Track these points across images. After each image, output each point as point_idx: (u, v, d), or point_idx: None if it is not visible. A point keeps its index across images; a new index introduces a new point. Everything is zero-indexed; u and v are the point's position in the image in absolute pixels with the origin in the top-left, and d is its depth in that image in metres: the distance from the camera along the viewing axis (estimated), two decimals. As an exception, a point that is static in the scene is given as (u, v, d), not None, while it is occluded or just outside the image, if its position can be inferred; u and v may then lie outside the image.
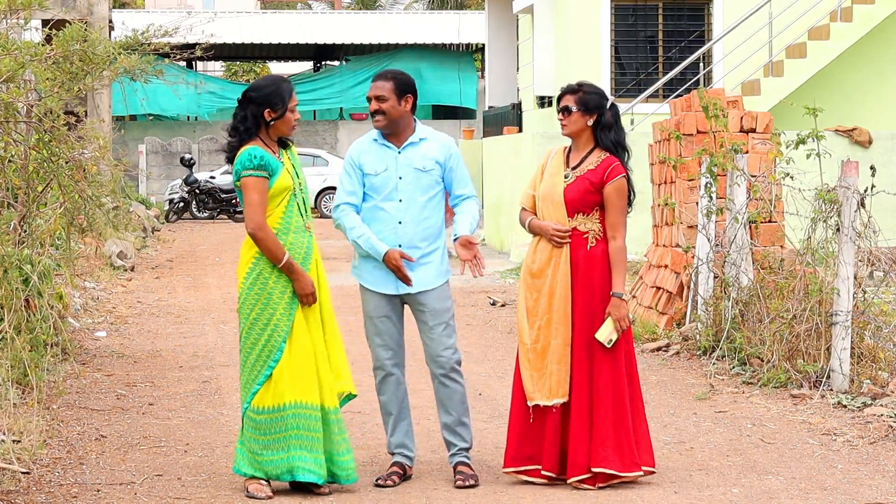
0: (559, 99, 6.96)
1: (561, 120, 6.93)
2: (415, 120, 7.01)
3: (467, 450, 7.01)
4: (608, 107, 6.90)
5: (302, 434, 6.58)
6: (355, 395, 6.88)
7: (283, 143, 6.79)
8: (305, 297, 6.62)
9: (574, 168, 6.89)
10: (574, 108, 6.87)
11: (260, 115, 6.64)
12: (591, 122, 6.88)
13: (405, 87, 6.91)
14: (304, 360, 6.60)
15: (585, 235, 6.83)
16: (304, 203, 6.75)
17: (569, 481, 6.77)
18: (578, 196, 6.82)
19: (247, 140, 6.65)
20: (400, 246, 6.87)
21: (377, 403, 8.82)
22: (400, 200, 6.89)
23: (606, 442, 6.73)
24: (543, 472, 6.82)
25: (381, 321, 6.97)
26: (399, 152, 6.93)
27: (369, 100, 6.91)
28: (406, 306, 7.02)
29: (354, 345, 11.31)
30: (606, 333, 6.77)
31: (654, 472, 6.91)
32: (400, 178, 6.90)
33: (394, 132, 6.94)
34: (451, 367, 6.95)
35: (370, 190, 6.94)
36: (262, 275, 6.61)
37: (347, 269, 20.25)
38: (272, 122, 6.65)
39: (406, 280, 6.84)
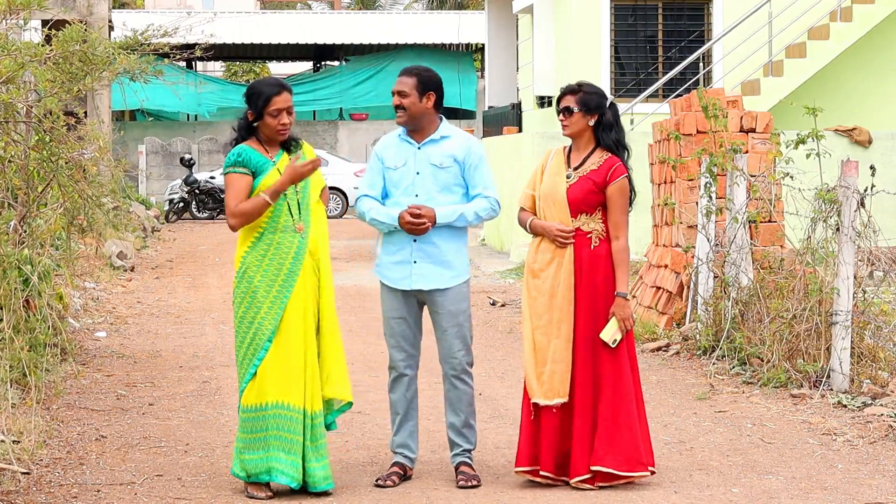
0: (559, 99, 6.95)
1: (562, 121, 6.92)
2: (440, 118, 6.99)
3: (470, 451, 7.02)
4: (608, 106, 6.89)
5: (282, 435, 6.55)
6: (351, 403, 6.85)
7: (287, 145, 6.76)
8: (305, 168, 6.57)
9: (576, 168, 6.89)
10: (575, 109, 6.86)
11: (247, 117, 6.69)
12: (592, 123, 6.88)
13: (428, 84, 6.89)
14: (289, 360, 6.57)
15: (589, 235, 6.83)
16: (299, 204, 6.71)
17: (571, 482, 6.76)
18: (581, 196, 6.81)
19: (240, 141, 6.69)
20: (415, 241, 6.86)
21: (377, 403, 8.85)
22: (416, 196, 6.88)
23: (608, 441, 6.72)
24: (541, 473, 6.81)
25: (396, 322, 6.97)
26: (419, 148, 6.94)
27: (393, 94, 6.92)
28: (426, 308, 7.00)
29: (354, 345, 11.32)
30: (611, 333, 6.76)
31: (654, 472, 6.91)
32: (417, 173, 6.90)
33: (416, 129, 6.94)
34: (462, 369, 6.95)
35: (390, 185, 6.96)
36: (248, 272, 6.62)
37: (347, 268, 20.32)
38: (255, 125, 6.67)
39: (424, 225, 6.77)
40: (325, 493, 6.65)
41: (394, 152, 6.98)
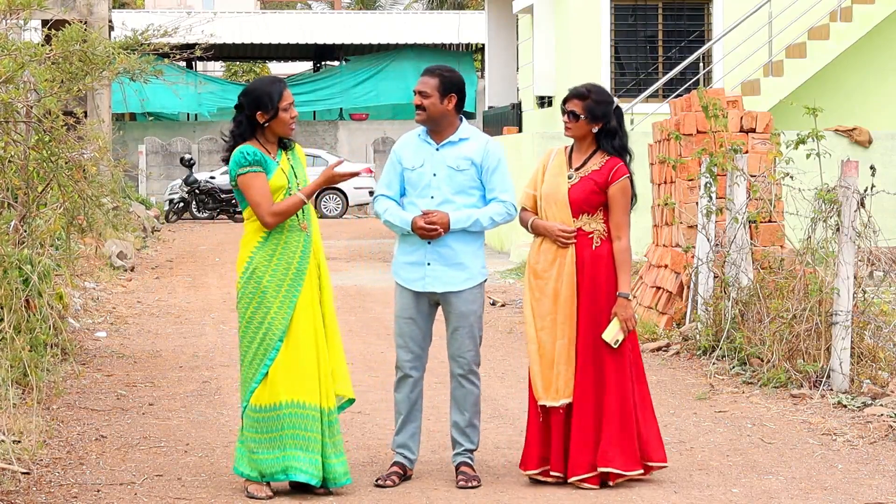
0: (566, 100, 6.92)
1: (566, 122, 6.91)
2: (461, 119, 6.97)
3: (472, 451, 7.02)
4: (613, 110, 6.87)
5: (298, 434, 6.56)
6: (353, 400, 6.87)
7: (284, 145, 6.78)
8: (343, 175, 6.70)
9: (578, 169, 6.88)
10: (581, 116, 6.85)
11: (253, 118, 6.65)
12: (595, 130, 6.87)
13: (450, 86, 6.86)
14: (302, 358, 6.58)
15: (591, 235, 6.83)
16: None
17: (569, 480, 6.77)
18: (583, 196, 6.81)
19: (241, 144, 6.67)
20: (429, 243, 6.85)
21: (377, 403, 8.85)
22: (432, 197, 6.86)
23: (616, 442, 6.73)
24: (552, 473, 6.82)
25: (406, 322, 6.95)
26: (437, 149, 6.91)
27: (415, 93, 6.90)
28: (440, 308, 7.00)
29: (354, 344, 11.31)
30: (613, 334, 6.76)
31: (665, 467, 6.90)
32: (434, 174, 6.88)
33: (435, 129, 6.92)
34: (469, 369, 6.94)
35: (408, 184, 6.94)
36: (256, 272, 6.61)
37: (347, 268, 20.26)
38: (266, 124, 6.66)
39: (437, 233, 6.78)
40: (327, 493, 6.65)
41: (412, 152, 6.96)
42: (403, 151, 6.99)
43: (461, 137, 6.92)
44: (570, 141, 7.01)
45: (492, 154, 6.91)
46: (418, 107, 6.88)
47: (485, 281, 7.00)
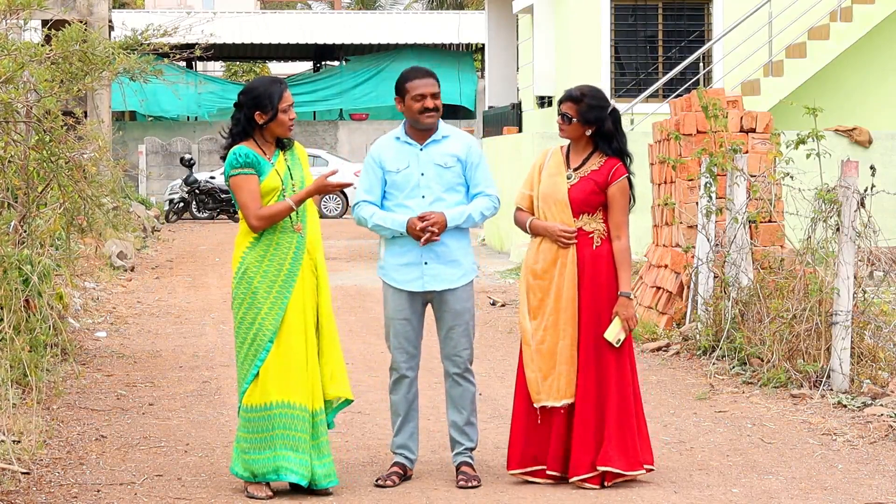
0: (560, 102, 6.93)
1: (560, 124, 6.92)
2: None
3: (472, 450, 7.02)
4: (609, 112, 6.86)
5: (288, 434, 6.55)
6: (352, 401, 6.87)
7: (283, 144, 6.77)
8: (331, 187, 6.64)
9: (576, 169, 6.89)
10: (574, 119, 6.85)
11: (251, 118, 6.64)
12: (589, 133, 6.88)
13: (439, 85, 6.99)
14: (292, 359, 6.57)
15: (591, 235, 6.83)
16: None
17: (571, 480, 6.77)
18: (583, 196, 6.81)
19: (238, 143, 6.66)
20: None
21: (377, 403, 8.85)
22: (423, 196, 6.87)
23: (617, 442, 6.73)
24: (548, 472, 6.82)
25: (400, 323, 6.95)
26: (421, 149, 6.91)
27: (423, 96, 6.82)
28: (429, 306, 7.00)
29: (355, 344, 11.31)
30: (615, 333, 6.77)
31: (653, 470, 6.91)
32: (422, 174, 6.88)
33: (421, 129, 6.93)
34: (465, 368, 6.96)
35: (392, 188, 6.92)
36: (248, 273, 6.61)
37: (347, 268, 20.22)
38: (265, 125, 6.65)
39: (434, 236, 6.77)
40: (326, 493, 6.65)
41: (394, 155, 6.94)
42: (383, 155, 6.95)
43: (444, 135, 6.96)
44: (566, 141, 7.01)
45: (474, 150, 6.97)
46: (432, 109, 6.86)
47: (474, 278, 7.03)
